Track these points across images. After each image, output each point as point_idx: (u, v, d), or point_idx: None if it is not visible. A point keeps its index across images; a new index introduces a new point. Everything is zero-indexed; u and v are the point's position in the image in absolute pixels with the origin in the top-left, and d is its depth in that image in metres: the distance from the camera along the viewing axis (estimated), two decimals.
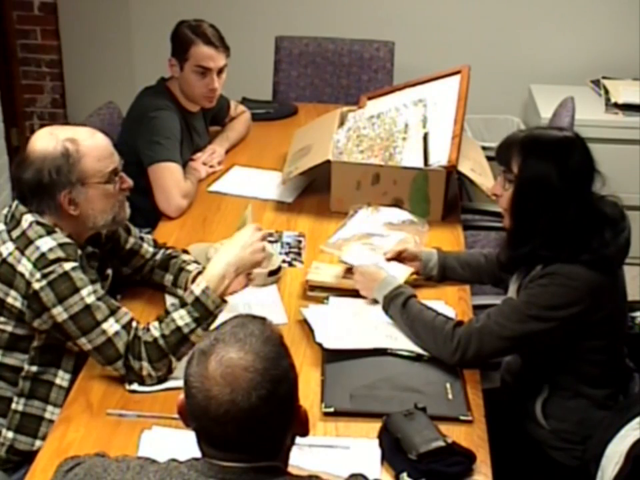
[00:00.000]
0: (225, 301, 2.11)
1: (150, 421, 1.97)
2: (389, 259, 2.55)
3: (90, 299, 2.03)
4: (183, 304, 2.08)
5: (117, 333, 2.04)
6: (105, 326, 2.03)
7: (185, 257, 2.48)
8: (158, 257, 2.48)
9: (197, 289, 2.09)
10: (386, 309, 2.32)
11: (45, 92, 4.89)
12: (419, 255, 2.58)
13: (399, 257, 2.57)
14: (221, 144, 3.42)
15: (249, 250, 2.15)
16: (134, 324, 2.08)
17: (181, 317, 2.06)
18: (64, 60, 4.84)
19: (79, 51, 4.80)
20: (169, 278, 2.44)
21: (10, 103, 4.60)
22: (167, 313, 2.09)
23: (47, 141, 2.07)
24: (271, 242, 2.72)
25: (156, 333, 2.06)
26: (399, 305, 2.28)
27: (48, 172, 2.04)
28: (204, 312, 2.07)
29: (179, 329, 2.05)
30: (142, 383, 2.07)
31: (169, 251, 2.50)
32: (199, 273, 2.36)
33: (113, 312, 2.05)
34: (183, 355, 2.06)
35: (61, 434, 1.96)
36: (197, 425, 1.37)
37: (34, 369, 2.11)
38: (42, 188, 2.05)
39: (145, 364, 2.05)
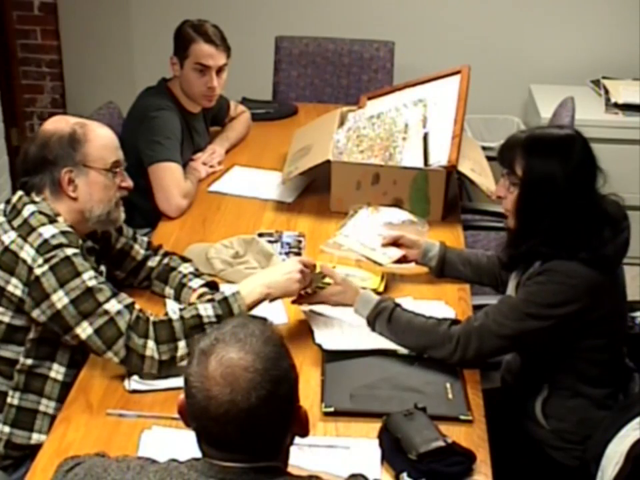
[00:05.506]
0: (249, 310, 2.13)
1: (150, 421, 1.97)
2: (384, 245, 2.56)
3: (91, 283, 2.04)
4: (210, 300, 2.12)
5: (119, 312, 2.04)
6: (107, 306, 2.04)
7: (183, 267, 2.45)
8: (153, 264, 2.46)
9: (227, 291, 2.14)
10: (372, 329, 2.27)
11: (45, 92, 4.89)
12: (418, 242, 2.58)
13: (397, 243, 2.57)
14: (221, 144, 3.42)
15: (285, 277, 2.19)
16: (137, 306, 2.09)
17: (205, 309, 2.09)
18: (64, 60, 4.84)
19: (79, 51, 4.80)
20: (169, 292, 2.43)
21: (10, 103, 4.60)
22: (191, 304, 2.14)
23: (58, 122, 2.18)
24: (270, 242, 2.72)
25: (173, 316, 2.08)
26: (384, 322, 2.24)
27: (53, 147, 2.12)
28: (227, 312, 2.09)
29: (199, 316, 2.07)
30: (141, 369, 2.06)
31: (166, 260, 2.47)
32: (202, 286, 2.37)
33: (115, 294, 2.07)
34: (191, 347, 2.04)
35: (61, 434, 1.96)
36: (196, 425, 1.37)
37: (29, 362, 2.12)
38: (46, 162, 2.12)
39: (150, 343, 2.04)
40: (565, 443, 2.22)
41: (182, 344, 2.06)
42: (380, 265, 2.55)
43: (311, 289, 2.30)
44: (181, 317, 2.07)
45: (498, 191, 2.26)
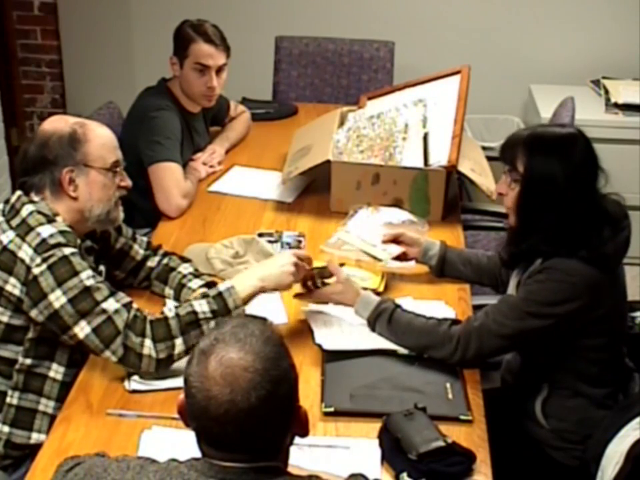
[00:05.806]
0: (244, 304, 2.13)
1: (150, 421, 1.97)
2: (385, 241, 2.56)
3: (89, 282, 2.04)
4: (205, 295, 2.11)
5: (117, 311, 2.04)
6: (104, 305, 2.04)
7: (182, 268, 2.46)
8: (153, 264, 2.47)
9: (222, 286, 2.13)
10: (373, 330, 2.28)
11: (45, 92, 4.89)
12: (418, 241, 2.58)
13: (397, 241, 2.57)
14: (221, 144, 3.42)
15: (279, 270, 2.18)
16: (134, 305, 2.09)
17: (200, 305, 2.09)
18: (64, 60, 4.84)
19: (78, 51, 4.81)
20: (169, 292, 2.44)
21: (10, 103, 4.60)
22: (186, 301, 2.14)
23: (56, 122, 2.18)
24: (270, 242, 2.72)
25: (169, 314, 2.08)
26: (384, 324, 2.24)
27: (53, 147, 2.12)
28: (222, 307, 2.08)
29: (194, 312, 2.07)
30: (139, 368, 2.06)
31: (165, 260, 2.48)
32: (202, 286, 2.37)
33: (113, 293, 2.07)
34: (189, 344, 2.05)
35: (61, 434, 1.96)
36: (196, 425, 1.37)
37: (28, 361, 2.12)
38: (46, 161, 2.13)
39: (148, 341, 2.04)
40: (565, 442, 2.22)
41: (179, 341, 2.06)
42: (380, 260, 2.55)
43: (318, 282, 2.30)
44: (177, 315, 2.07)
45: (499, 187, 2.26)
